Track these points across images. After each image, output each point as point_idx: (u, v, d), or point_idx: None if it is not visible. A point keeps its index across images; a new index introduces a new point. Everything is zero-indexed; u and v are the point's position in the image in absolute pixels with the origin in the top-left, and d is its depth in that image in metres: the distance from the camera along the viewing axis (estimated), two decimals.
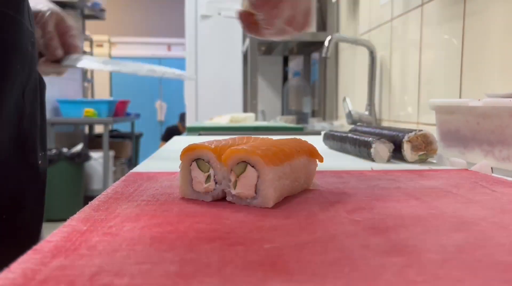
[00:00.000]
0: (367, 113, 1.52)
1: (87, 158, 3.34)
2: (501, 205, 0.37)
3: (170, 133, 4.68)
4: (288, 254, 0.25)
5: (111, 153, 3.75)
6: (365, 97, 1.57)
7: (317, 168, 0.52)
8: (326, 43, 1.45)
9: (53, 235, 0.27)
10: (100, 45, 5.67)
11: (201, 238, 0.27)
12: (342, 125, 1.77)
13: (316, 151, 0.42)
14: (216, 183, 0.35)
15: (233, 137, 0.43)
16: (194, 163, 0.36)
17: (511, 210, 0.35)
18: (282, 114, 2.77)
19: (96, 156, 3.48)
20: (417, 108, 1.22)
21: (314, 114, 2.57)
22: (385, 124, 1.47)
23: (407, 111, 1.29)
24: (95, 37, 4.95)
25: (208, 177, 0.35)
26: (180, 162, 0.38)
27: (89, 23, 4.50)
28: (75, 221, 0.31)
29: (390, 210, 0.35)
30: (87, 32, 4.43)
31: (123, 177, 0.48)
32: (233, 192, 0.34)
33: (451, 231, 0.29)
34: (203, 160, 0.36)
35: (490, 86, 0.87)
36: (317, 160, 0.43)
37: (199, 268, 0.22)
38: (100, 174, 3.43)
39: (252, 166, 0.33)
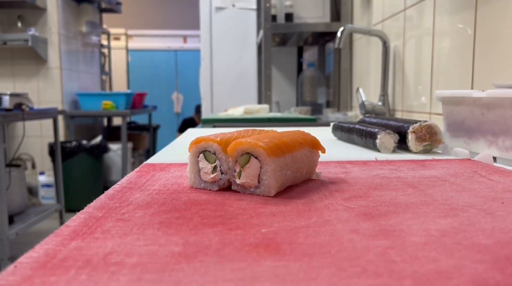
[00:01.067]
0: (380, 103, 1.53)
1: (106, 150, 3.41)
2: (494, 193, 0.39)
3: (186, 124, 4.74)
4: (282, 237, 0.27)
5: (129, 145, 3.82)
6: (378, 87, 1.57)
7: (323, 159, 0.54)
8: (338, 34, 1.45)
9: (71, 220, 0.30)
10: (117, 38, 5.74)
11: (204, 223, 0.30)
12: (356, 115, 1.78)
13: (319, 142, 0.44)
14: (222, 173, 0.38)
15: (239, 129, 0.45)
16: (201, 155, 0.38)
17: (502, 198, 0.37)
18: (297, 105, 2.78)
19: (115, 148, 3.55)
20: (429, 98, 1.23)
21: (328, 105, 2.58)
22: (398, 114, 1.48)
23: (420, 101, 1.30)
24: (112, 31, 5.02)
25: (215, 167, 0.38)
26: (188, 154, 0.40)
27: (106, 16, 4.57)
28: (91, 208, 0.33)
29: (385, 198, 0.37)
30: (104, 26, 4.49)
31: (137, 168, 0.51)
32: (238, 181, 0.37)
33: (438, 217, 0.31)
34: (210, 152, 0.38)
35: (502, 76, 0.87)
36: (319, 151, 0.45)
37: (200, 249, 0.25)
38: (118, 166, 3.50)
39: (256, 158, 0.35)
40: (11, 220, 2.32)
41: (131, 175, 0.47)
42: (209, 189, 0.39)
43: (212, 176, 0.38)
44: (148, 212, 0.33)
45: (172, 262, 0.23)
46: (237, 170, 0.37)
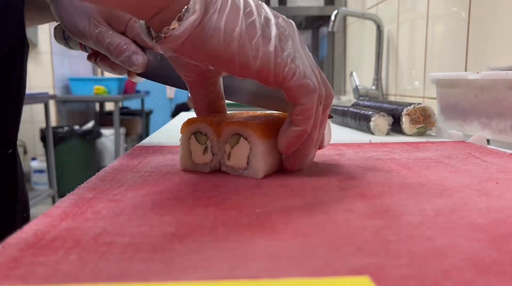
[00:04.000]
0: (374, 87, 1.52)
1: (99, 135, 3.39)
2: (488, 174, 0.39)
3: (179, 110, 4.71)
4: (276, 217, 0.27)
5: (122, 130, 3.79)
6: (372, 71, 1.57)
7: None
8: (332, 18, 1.44)
9: (61, 202, 0.29)
10: None
11: (197, 204, 0.29)
12: (349, 100, 1.77)
13: None
14: (213, 154, 0.37)
15: (234, 112, 0.45)
16: (192, 136, 0.38)
17: (496, 178, 0.37)
18: None
19: (107, 133, 3.52)
20: (423, 82, 1.22)
21: None
22: (391, 98, 1.48)
23: (414, 85, 1.29)
24: None
25: (206, 149, 0.37)
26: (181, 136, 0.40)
27: None
28: (82, 189, 0.33)
29: (379, 179, 0.37)
30: None
31: (129, 150, 0.50)
32: (227, 163, 0.36)
33: (433, 197, 0.31)
34: (201, 133, 0.38)
35: (496, 59, 0.87)
36: None
37: (193, 229, 0.25)
38: (111, 151, 3.49)
39: (245, 139, 0.35)
40: None
41: (123, 157, 0.46)
42: (201, 171, 0.39)
43: (203, 157, 0.37)
44: (140, 194, 0.32)
45: (165, 242, 0.23)
46: (227, 151, 0.36)
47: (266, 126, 0.36)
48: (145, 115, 4.45)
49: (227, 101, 0.43)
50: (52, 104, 3.23)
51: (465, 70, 0.98)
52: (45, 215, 0.26)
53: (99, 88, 3.46)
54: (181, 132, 0.39)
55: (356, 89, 1.48)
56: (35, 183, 3.16)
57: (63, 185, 2.92)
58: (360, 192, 0.33)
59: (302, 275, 0.19)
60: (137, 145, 0.54)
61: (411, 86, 1.30)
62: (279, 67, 0.32)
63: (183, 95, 5.59)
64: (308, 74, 0.33)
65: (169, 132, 0.72)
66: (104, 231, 0.24)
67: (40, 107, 2.94)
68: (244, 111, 0.45)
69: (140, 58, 0.46)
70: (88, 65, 4.19)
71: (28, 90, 2.68)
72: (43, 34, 3.28)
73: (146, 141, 0.58)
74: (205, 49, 0.30)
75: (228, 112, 0.43)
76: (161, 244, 0.22)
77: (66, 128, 3.16)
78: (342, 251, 0.21)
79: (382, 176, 0.38)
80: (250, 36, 0.31)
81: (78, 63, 3.91)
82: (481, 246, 0.22)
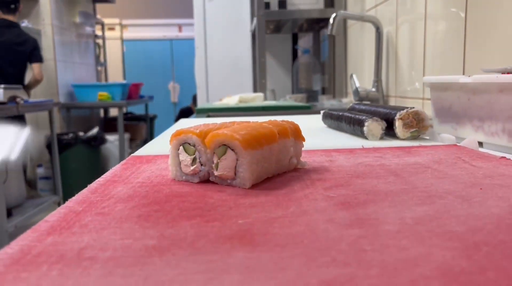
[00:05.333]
0: (374, 89, 1.53)
1: (103, 141, 3.41)
2: (474, 180, 0.39)
3: (183, 114, 4.73)
4: (258, 228, 0.27)
5: (126, 136, 3.81)
6: (372, 73, 1.57)
7: (310, 147, 0.54)
8: (331, 21, 1.45)
9: (51, 216, 0.30)
10: (112, 29, 5.70)
11: (183, 216, 0.30)
12: (351, 102, 1.77)
13: (300, 132, 0.44)
14: (201, 165, 0.38)
15: (224, 122, 0.46)
16: (181, 147, 0.39)
17: (481, 184, 0.37)
18: (292, 92, 2.77)
19: (112, 138, 3.55)
20: (422, 84, 1.23)
21: (324, 91, 2.57)
22: (392, 100, 1.48)
23: (414, 87, 1.29)
24: (106, 21, 4.98)
25: (194, 159, 0.38)
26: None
27: (99, 6, 4.53)
28: (72, 202, 0.34)
29: (366, 186, 0.37)
30: (98, 16, 4.46)
31: (124, 161, 0.51)
32: (216, 173, 0.37)
33: (415, 205, 0.32)
34: (189, 144, 0.38)
35: (494, 60, 0.87)
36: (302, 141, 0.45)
37: (174, 242, 0.25)
38: (116, 156, 3.51)
39: (232, 150, 0.36)
40: (9, 213, 2.33)
41: (116, 168, 0.47)
42: (191, 181, 0.39)
43: (192, 168, 0.38)
44: (129, 206, 0.33)
45: (145, 255, 0.23)
46: (215, 161, 0.37)
47: (253, 137, 0.37)
48: (149, 120, 4.47)
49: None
50: (56, 111, 3.25)
51: (463, 71, 0.99)
52: (33, 230, 0.27)
53: (103, 94, 3.49)
54: (170, 143, 0.40)
55: (356, 91, 1.49)
56: (41, 190, 3.19)
57: (69, 191, 2.94)
58: (344, 201, 0.33)
59: None
60: (132, 155, 0.55)
61: (411, 87, 1.31)
62: None
63: (187, 100, 5.61)
64: None
65: (165, 141, 0.73)
66: (88, 245, 0.25)
67: (44, 114, 2.97)
68: (234, 121, 0.46)
69: None
70: (92, 71, 4.22)
71: (32, 98, 2.70)
72: (46, 41, 3.31)
73: (141, 150, 0.59)
74: None
75: (228, 119, 0.44)
76: (141, 258, 0.23)
77: (71, 135, 3.19)
78: (317, 262, 0.22)
79: (368, 184, 0.38)
80: None
81: (81, 69, 3.94)
82: (454, 255, 0.23)
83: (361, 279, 0.20)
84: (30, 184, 3.22)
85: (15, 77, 2.77)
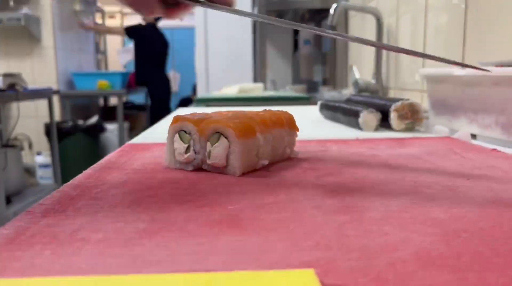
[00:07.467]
0: (374, 81, 1.53)
1: (102, 130, 3.41)
2: (463, 170, 0.40)
3: (184, 104, 4.73)
4: (246, 214, 0.28)
5: (126, 125, 3.82)
6: (373, 65, 1.57)
7: (305, 137, 0.55)
8: (331, 11, 1.44)
9: (46, 199, 0.31)
10: (112, 17, 5.68)
11: (174, 201, 0.31)
12: (351, 93, 1.78)
13: (294, 122, 0.45)
14: (195, 153, 0.39)
15: (221, 111, 0.46)
16: (176, 135, 0.39)
17: (469, 175, 0.38)
18: (293, 83, 2.77)
19: (111, 127, 3.55)
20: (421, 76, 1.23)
21: (325, 82, 2.57)
22: (391, 92, 1.48)
23: (414, 79, 1.30)
24: (107, 9, 4.95)
25: (188, 147, 0.39)
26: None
27: None
28: (67, 187, 0.34)
29: (355, 176, 0.38)
30: (98, 4, 4.43)
31: (119, 148, 0.52)
32: (208, 161, 0.38)
33: (402, 194, 0.32)
34: (185, 131, 0.39)
35: (494, 51, 0.87)
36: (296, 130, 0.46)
37: (165, 225, 0.26)
38: (115, 145, 3.51)
39: (226, 138, 0.36)
40: (8, 200, 2.35)
41: (112, 155, 0.47)
42: (184, 169, 0.40)
43: (185, 156, 0.39)
44: (122, 191, 0.34)
45: (136, 237, 0.24)
46: (208, 149, 0.38)
47: (247, 126, 0.38)
48: (149, 109, 4.46)
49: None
50: (56, 99, 3.25)
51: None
52: (27, 212, 0.28)
53: (102, 82, 3.48)
54: (168, 131, 0.41)
55: (356, 83, 1.49)
56: (40, 178, 3.20)
57: (68, 179, 2.94)
58: (333, 189, 0.34)
59: (255, 269, 0.20)
60: (127, 142, 0.56)
61: (410, 79, 1.31)
62: None
63: (187, 89, 5.60)
64: None
65: (162, 129, 0.73)
66: (81, 227, 0.26)
67: (44, 102, 2.97)
68: (230, 111, 0.46)
69: None
70: (92, 60, 4.21)
71: (32, 85, 2.70)
72: (46, 28, 3.30)
73: (137, 138, 0.60)
74: None
75: (228, 109, 0.44)
76: (132, 240, 0.24)
77: (70, 123, 3.19)
78: (299, 246, 0.23)
79: (359, 173, 0.39)
80: None
81: (81, 57, 3.93)
82: (432, 240, 0.23)
83: (341, 261, 0.21)
84: (30, 171, 3.23)
85: None
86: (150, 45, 4.06)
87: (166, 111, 3.84)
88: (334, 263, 0.21)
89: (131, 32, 3.96)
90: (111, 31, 4.07)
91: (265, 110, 0.45)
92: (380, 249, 0.22)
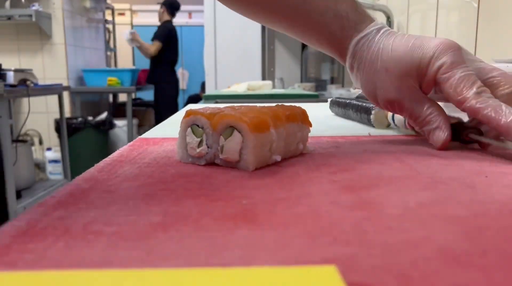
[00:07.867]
0: None
1: (112, 126, 3.43)
2: (480, 167, 0.39)
3: (192, 102, 4.73)
4: (261, 208, 0.28)
5: (135, 121, 3.83)
6: None
7: (316, 134, 0.54)
8: None
9: (57, 192, 0.31)
10: (122, 14, 5.70)
11: (187, 195, 0.30)
12: (359, 91, 1.76)
13: (307, 117, 0.44)
14: (208, 147, 0.38)
15: (233, 105, 0.46)
16: (189, 129, 0.39)
17: (486, 172, 0.37)
18: (301, 81, 2.76)
19: (121, 124, 3.57)
20: None
21: (333, 81, 2.56)
22: None
23: None
24: (117, 6, 4.97)
25: (201, 142, 0.38)
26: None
27: None
28: (79, 180, 0.34)
29: (370, 172, 0.37)
30: (108, 1, 4.45)
31: (130, 142, 0.51)
32: (221, 156, 0.37)
33: (419, 190, 0.32)
34: (198, 125, 0.38)
35: (506, 52, 0.86)
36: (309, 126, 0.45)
37: (178, 219, 0.26)
38: (124, 141, 3.53)
39: (239, 132, 0.36)
40: (18, 195, 2.36)
41: (123, 149, 0.47)
42: (197, 164, 0.40)
43: (198, 150, 0.38)
44: (134, 184, 0.33)
45: (150, 231, 0.24)
46: (221, 144, 0.37)
47: (260, 120, 0.37)
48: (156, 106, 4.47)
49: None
50: (66, 95, 3.27)
51: None
52: (39, 204, 0.28)
53: (112, 79, 3.50)
54: (181, 125, 0.40)
55: None
56: (50, 173, 3.22)
57: (77, 174, 2.97)
58: (348, 185, 0.33)
59: (273, 264, 0.20)
60: (139, 137, 0.56)
61: None
62: None
63: (196, 87, 5.61)
64: None
65: (173, 124, 0.73)
66: (94, 220, 0.25)
67: (54, 98, 2.99)
68: (243, 105, 0.46)
69: (442, 135, 0.44)
70: (102, 56, 4.23)
71: (42, 81, 2.74)
72: (57, 25, 3.32)
73: (149, 133, 0.60)
74: None
75: (227, 105, 0.44)
76: (146, 233, 0.23)
77: (80, 119, 3.21)
78: (318, 242, 0.22)
79: (373, 169, 0.38)
80: None
81: (91, 54, 3.95)
82: (455, 238, 0.23)
83: (362, 258, 0.20)
84: (40, 167, 3.26)
85: None
86: (175, 48, 4.08)
87: (174, 109, 3.85)
88: (354, 259, 0.20)
89: (167, 40, 3.98)
90: (148, 51, 4.00)
91: (277, 105, 0.44)
92: (402, 246, 0.22)
